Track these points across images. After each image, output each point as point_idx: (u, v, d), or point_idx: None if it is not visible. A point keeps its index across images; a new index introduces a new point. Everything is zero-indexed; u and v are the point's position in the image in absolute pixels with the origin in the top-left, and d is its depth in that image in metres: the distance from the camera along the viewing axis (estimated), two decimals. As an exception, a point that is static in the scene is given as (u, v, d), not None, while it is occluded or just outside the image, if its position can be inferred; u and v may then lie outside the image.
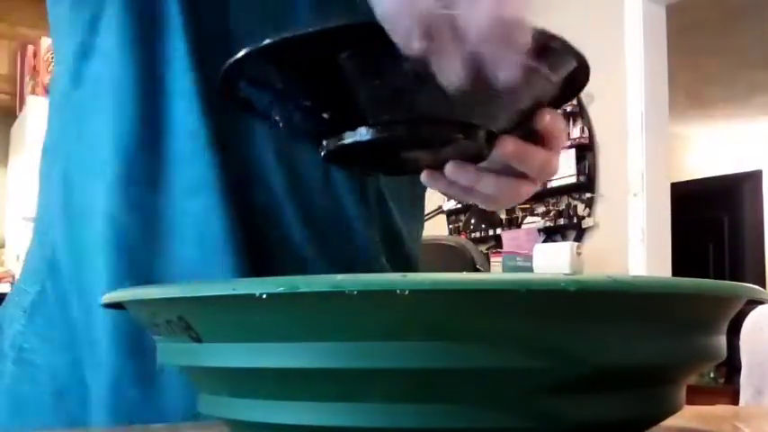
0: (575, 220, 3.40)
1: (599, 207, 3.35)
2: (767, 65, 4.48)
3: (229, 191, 0.57)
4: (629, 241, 3.08)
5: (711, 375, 4.17)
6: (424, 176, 0.53)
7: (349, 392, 0.30)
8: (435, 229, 3.74)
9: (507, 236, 3.52)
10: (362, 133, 0.43)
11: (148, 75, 0.57)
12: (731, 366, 3.76)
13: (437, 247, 2.72)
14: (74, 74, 0.61)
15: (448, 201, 4.10)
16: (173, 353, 0.34)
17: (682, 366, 0.34)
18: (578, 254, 2.90)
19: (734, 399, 3.24)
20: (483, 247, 3.68)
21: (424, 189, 0.72)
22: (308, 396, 0.30)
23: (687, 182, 5.28)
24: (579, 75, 0.46)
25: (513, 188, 0.52)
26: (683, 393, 0.36)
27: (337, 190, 0.62)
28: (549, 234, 3.54)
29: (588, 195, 3.39)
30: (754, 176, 5.37)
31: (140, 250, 0.57)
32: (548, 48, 0.41)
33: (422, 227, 0.76)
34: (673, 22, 3.17)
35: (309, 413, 0.30)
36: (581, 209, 3.42)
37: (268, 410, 0.32)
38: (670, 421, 0.36)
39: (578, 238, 3.33)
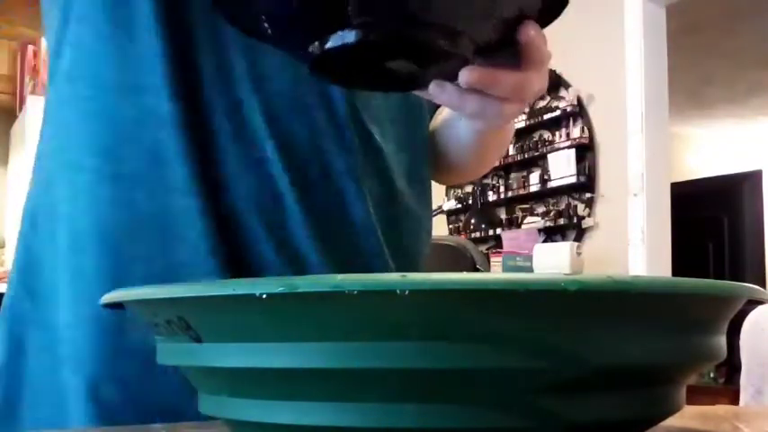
0: (575, 220, 3.41)
1: (599, 207, 3.35)
2: (767, 65, 4.48)
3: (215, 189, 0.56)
4: (630, 241, 3.08)
5: (711, 375, 4.17)
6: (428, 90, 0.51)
7: (349, 392, 0.30)
8: (435, 229, 3.74)
9: (507, 236, 3.53)
10: (346, 35, 0.43)
11: (123, 66, 0.56)
12: (731, 366, 3.76)
13: (437, 247, 2.72)
14: (51, 69, 0.61)
15: (448, 201, 4.10)
16: (173, 353, 0.34)
17: (682, 366, 0.34)
18: (578, 254, 2.90)
19: (734, 399, 3.24)
20: (483, 247, 3.69)
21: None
22: (308, 396, 0.30)
23: (687, 182, 5.28)
24: None
25: (497, 108, 0.51)
26: (683, 393, 0.36)
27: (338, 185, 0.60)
28: (549, 234, 3.54)
29: (588, 195, 3.39)
30: (754, 176, 5.37)
31: (125, 248, 0.57)
32: None
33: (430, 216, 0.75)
34: (673, 22, 3.18)
35: (309, 413, 0.30)
36: (581, 209, 3.42)
37: (268, 410, 0.32)
38: (670, 421, 0.36)
39: (578, 238, 3.33)
